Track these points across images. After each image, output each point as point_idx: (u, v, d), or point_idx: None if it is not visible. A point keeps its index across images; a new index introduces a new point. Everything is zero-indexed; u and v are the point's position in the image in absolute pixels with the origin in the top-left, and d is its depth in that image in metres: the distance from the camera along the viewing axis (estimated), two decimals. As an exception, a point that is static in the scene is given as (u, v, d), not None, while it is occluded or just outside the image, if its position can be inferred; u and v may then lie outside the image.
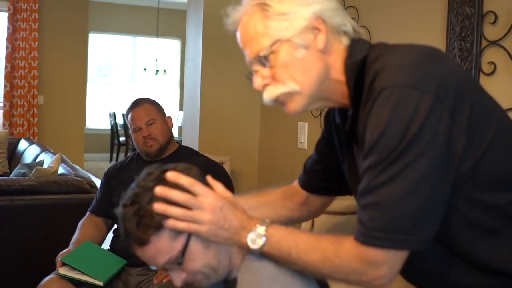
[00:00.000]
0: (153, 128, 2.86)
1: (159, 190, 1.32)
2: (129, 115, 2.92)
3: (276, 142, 3.40)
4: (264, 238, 1.32)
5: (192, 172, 1.41)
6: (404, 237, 1.19)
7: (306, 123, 3.09)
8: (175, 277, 1.40)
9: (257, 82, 1.38)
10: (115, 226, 3.02)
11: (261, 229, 1.32)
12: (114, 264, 2.76)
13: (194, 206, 1.32)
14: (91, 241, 2.84)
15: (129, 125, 2.95)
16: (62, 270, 2.62)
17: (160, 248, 1.34)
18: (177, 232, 1.33)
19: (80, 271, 2.60)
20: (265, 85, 1.38)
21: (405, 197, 1.18)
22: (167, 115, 2.99)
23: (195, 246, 1.36)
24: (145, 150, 2.88)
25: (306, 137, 3.09)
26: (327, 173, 1.64)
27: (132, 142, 2.89)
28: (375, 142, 1.20)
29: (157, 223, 1.32)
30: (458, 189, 1.23)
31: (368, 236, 1.21)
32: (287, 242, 1.31)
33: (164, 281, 2.62)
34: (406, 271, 1.34)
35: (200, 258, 1.38)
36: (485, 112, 1.26)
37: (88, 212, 3.04)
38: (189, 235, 1.35)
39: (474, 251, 1.28)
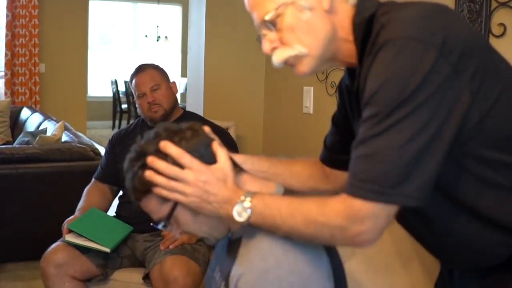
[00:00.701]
0: (158, 94, 2.83)
1: (149, 159, 1.36)
2: (133, 81, 2.89)
3: (281, 107, 3.38)
4: (249, 211, 1.31)
5: (197, 135, 1.41)
6: (392, 191, 1.16)
7: (312, 87, 3.06)
8: (173, 230, 1.50)
9: (265, 46, 1.38)
10: (121, 193, 3.01)
11: (246, 202, 1.31)
12: (121, 231, 2.76)
13: (178, 178, 1.34)
14: (97, 208, 2.84)
15: (133, 91, 2.92)
16: (69, 237, 2.62)
17: (150, 208, 1.45)
18: (164, 199, 1.38)
19: (86, 237, 2.60)
20: (273, 49, 1.37)
21: (398, 150, 1.15)
22: (171, 81, 2.96)
23: (182, 214, 1.42)
24: (150, 116, 2.85)
25: (311, 102, 3.06)
26: (345, 144, 1.61)
27: (135, 109, 2.86)
28: (374, 94, 1.18)
29: (145, 188, 1.39)
30: (464, 146, 1.21)
31: (356, 187, 1.19)
32: (270, 210, 1.30)
33: (171, 247, 2.62)
34: (407, 220, 1.35)
35: (189, 224, 1.44)
36: (493, 69, 1.23)
37: (93, 179, 3.03)
38: (175, 203, 1.40)
39: (480, 205, 1.27)
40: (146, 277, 2.64)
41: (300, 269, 1.33)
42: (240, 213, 1.31)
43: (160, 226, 1.47)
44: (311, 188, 1.65)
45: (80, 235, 2.61)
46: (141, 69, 2.89)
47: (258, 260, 1.35)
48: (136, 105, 2.94)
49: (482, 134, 1.21)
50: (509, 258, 1.30)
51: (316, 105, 3.02)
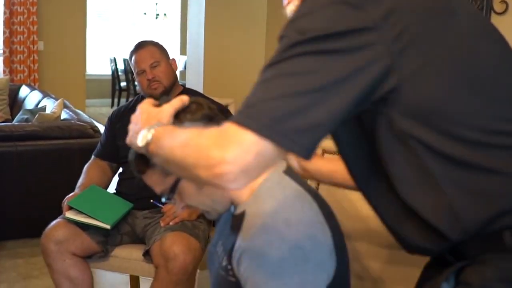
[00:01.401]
0: (158, 71, 2.82)
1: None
2: (133, 58, 2.87)
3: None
4: (150, 136, 1.22)
5: (201, 108, 1.47)
6: (271, 125, 1.01)
7: None
8: (176, 204, 1.52)
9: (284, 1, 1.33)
10: (120, 170, 3.01)
11: (152, 128, 1.23)
12: (121, 208, 2.76)
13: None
14: (97, 185, 2.84)
15: (132, 68, 2.91)
16: (69, 214, 2.62)
17: (154, 181, 1.48)
18: (167, 172, 1.38)
19: (86, 214, 2.61)
20: (288, 3, 1.32)
21: (292, 87, 1.03)
22: (170, 58, 2.95)
23: (186, 186, 1.45)
24: (149, 93, 2.84)
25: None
26: None
27: (134, 87, 2.84)
28: (280, 39, 1.08)
29: (148, 160, 1.37)
30: (380, 113, 1.08)
31: (239, 112, 1.05)
32: (166, 135, 1.19)
33: (171, 223, 2.63)
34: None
35: (192, 197, 1.47)
36: (432, 38, 1.08)
37: (93, 156, 3.03)
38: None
39: (395, 177, 1.13)
40: (146, 254, 2.65)
41: (302, 243, 1.34)
42: (143, 137, 1.23)
43: (163, 199, 1.48)
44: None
45: (80, 212, 2.62)
46: (140, 46, 2.87)
47: (261, 234, 1.35)
48: (136, 82, 2.94)
49: (401, 103, 1.06)
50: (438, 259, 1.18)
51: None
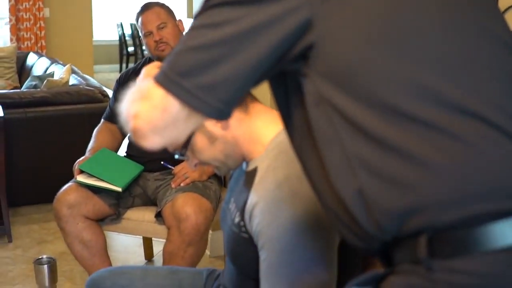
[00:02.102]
0: (165, 32, 2.79)
1: None
2: (139, 20, 2.84)
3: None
4: None
5: None
6: (175, 80, 0.96)
7: None
8: (188, 161, 1.51)
9: None
10: (131, 133, 3.01)
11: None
12: (132, 170, 2.77)
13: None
14: (107, 148, 2.84)
15: (139, 30, 2.88)
16: (80, 178, 2.63)
17: None
18: None
19: (98, 177, 2.61)
20: None
21: (199, 42, 0.97)
22: (177, 19, 2.91)
23: (199, 141, 1.44)
24: (157, 55, 2.82)
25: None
26: None
27: (142, 52, 2.81)
28: None
29: None
30: (302, 74, 0.98)
31: (157, 73, 1.01)
32: None
33: (182, 184, 2.63)
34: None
35: (205, 152, 1.46)
36: None
37: (102, 120, 3.02)
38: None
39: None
40: (158, 215, 2.66)
41: (315, 199, 1.33)
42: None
43: (176, 156, 1.47)
44: None
45: (92, 176, 2.62)
46: (147, 7, 2.84)
47: (273, 189, 1.35)
48: (143, 44, 2.90)
49: (321, 63, 0.95)
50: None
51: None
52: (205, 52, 0.95)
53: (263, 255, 1.36)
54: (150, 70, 1.28)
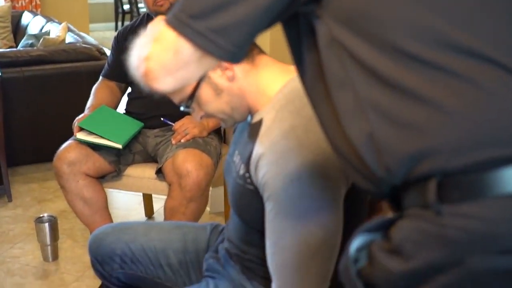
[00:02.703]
0: (162, -13, 2.75)
1: None
2: (136, -26, 2.80)
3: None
4: None
5: None
6: (187, 21, 0.96)
7: None
8: (192, 113, 1.50)
9: None
10: (129, 90, 2.99)
11: None
12: (131, 127, 2.75)
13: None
14: (106, 105, 2.82)
15: (136, -15, 2.83)
16: (80, 135, 2.62)
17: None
18: None
19: (98, 135, 2.60)
20: None
21: None
22: (173, -27, 2.86)
23: (205, 92, 1.43)
24: (155, 10, 2.77)
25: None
26: None
27: (137, 9, 2.77)
28: None
29: None
30: (316, 17, 0.96)
31: (170, 13, 1.00)
32: None
33: (182, 140, 2.62)
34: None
35: (211, 104, 1.45)
36: None
37: (101, 77, 2.99)
38: (199, 82, 1.40)
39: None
40: (159, 172, 2.65)
41: (321, 149, 1.32)
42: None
43: (181, 108, 1.46)
44: None
45: (91, 133, 2.61)
46: (143, -37, 2.79)
47: (279, 140, 1.34)
48: (139, 1, 2.86)
49: (334, 6, 0.93)
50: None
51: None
52: (221, 4, 0.93)
53: (269, 206, 1.36)
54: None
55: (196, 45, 0.96)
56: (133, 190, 2.87)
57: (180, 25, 0.96)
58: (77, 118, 2.69)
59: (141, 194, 3.37)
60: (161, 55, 1.00)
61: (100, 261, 1.82)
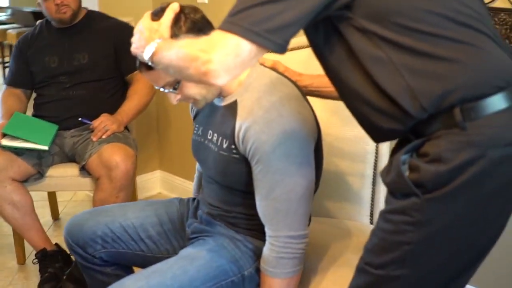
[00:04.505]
0: (65, -5, 2.91)
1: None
2: (37, -15, 2.91)
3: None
4: (153, 49, 1.46)
5: (200, 11, 1.72)
6: (248, 27, 1.23)
7: None
8: (171, 96, 1.73)
9: None
10: (34, 95, 3.09)
11: (155, 43, 1.47)
12: (49, 129, 2.87)
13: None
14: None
15: (36, -5, 2.95)
16: (5, 141, 2.70)
17: (161, 74, 1.64)
18: None
19: (23, 139, 2.70)
20: None
21: (266, 0, 1.24)
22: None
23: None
24: (58, 17, 2.93)
25: (205, -9, 3.20)
26: None
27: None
28: None
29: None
30: (347, 18, 1.31)
31: (223, 21, 1.28)
32: (166, 47, 1.42)
33: (104, 136, 2.80)
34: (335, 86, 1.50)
35: (194, 87, 1.70)
36: None
37: (5, 86, 3.08)
38: None
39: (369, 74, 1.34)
40: (82, 169, 2.81)
41: (296, 116, 1.65)
42: (148, 52, 1.47)
43: (165, 90, 1.69)
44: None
45: (15, 138, 2.71)
46: (43, -29, 2.91)
47: (262, 114, 1.64)
48: (42, 9, 2.97)
49: (360, 6, 1.29)
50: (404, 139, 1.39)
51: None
52: (272, 6, 1.24)
53: (258, 168, 1.65)
54: (152, 27, 1.55)
55: (256, 45, 1.24)
56: (57, 190, 3.00)
57: (243, 31, 1.23)
58: (-2, 125, 2.77)
59: (46, 197, 3.47)
60: (223, 59, 1.24)
61: (82, 244, 1.99)
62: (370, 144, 2.15)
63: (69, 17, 2.94)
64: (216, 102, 1.80)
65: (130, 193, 2.79)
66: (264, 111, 1.64)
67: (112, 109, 2.96)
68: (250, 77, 1.73)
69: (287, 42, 1.28)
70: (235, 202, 1.83)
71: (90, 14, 3.10)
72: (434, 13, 1.28)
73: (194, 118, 1.98)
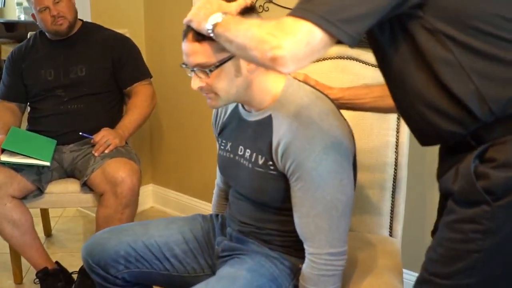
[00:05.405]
0: (61, 6, 2.83)
1: None
2: (32, -6, 2.83)
3: (166, 10, 3.44)
4: (220, 19, 1.43)
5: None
6: (322, 15, 1.21)
7: None
8: (195, 80, 1.64)
9: None
10: (28, 109, 3.00)
11: (223, 14, 1.44)
12: (48, 144, 2.78)
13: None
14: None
15: (32, 6, 2.86)
16: (4, 157, 2.60)
17: (206, 51, 1.57)
18: (223, 48, 1.49)
19: (23, 154, 2.61)
20: None
21: None
22: (67, -9, 2.93)
23: (228, 69, 1.60)
24: (54, 29, 2.85)
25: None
26: None
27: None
28: None
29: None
30: (418, 17, 1.29)
31: (295, 8, 1.26)
32: (234, 21, 1.39)
33: (106, 151, 2.73)
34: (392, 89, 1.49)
35: (224, 80, 1.62)
36: None
37: (-1, 100, 2.98)
38: (230, 57, 1.58)
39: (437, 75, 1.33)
40: (84, 185, 2.73)
41: (336, 131, 1.62)
42: (214, 19, 1.43)
43: (189, 68, 1.62)
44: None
45: (15, 153, 2.61)
46: (39, -17, 2.83)
47: (303, 130, 1.60)
48: (37, 20, 2.89)
49: (433, 6, 1.28)
50: (464, 141, 1.36)
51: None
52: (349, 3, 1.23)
53: (298, 185, 1.61)
54: (221, 3, 1.51)
55: (328, 33, 1.21)
56: (57, 207, 2.91)
57: (317, 18, 1.20)
58: (-6, 141, 2.67)
59: (38, 213, 3.36)
60: (294, 46, 1.20)
61: (103, 265, 1.91)
62: (389, 156, 2.14)
63: (66, 29, 2.86)
64: (245, 116, 1.76)
65: (135, 209, 2.72)
66: (305, 127, 1.61)
67: (111, 123, 2.88)
68: (285, 92, 1.69)
69: (359, 35, 1.25)
70: (269, 219, 1.78)
71: (86, 25, 3.03)
72: (508, 19, 1.27)
73: (219, 133, 1.92)
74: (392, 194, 2.17)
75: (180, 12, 3.25)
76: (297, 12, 1.23)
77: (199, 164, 3.55)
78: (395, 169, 2.15)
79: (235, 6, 1.55)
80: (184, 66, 1.64)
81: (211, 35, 1.43)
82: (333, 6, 1.22)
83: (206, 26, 1.43)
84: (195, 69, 1.62)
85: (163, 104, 3.50)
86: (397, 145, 2.15)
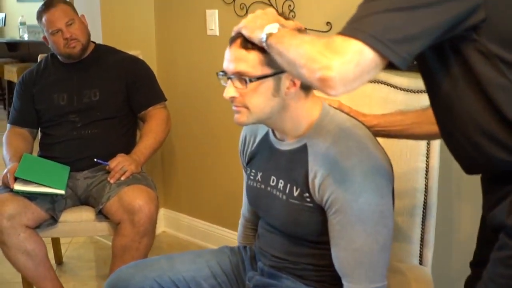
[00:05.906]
0: (74, 28, 2.76)
1: None
2: (44, 18, 2.76)
3: (177, 31, 3.38)
4: (275, 30, 1.40)
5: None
6: (372, 35, 1.16)
7: (216, 10, 3.09)
8: (230, 89, 1.57)
9: None
10: (40, 135, 2.93)
11: (276, 26, 1.41)
12: (62, 171, 2.71)
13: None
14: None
15: (43, 28, 2.79)
16: (18, 186, 2.52)
17: (253, 60, 1.52)
18: (271, 63, 1.48)
19: (37, 183, 2.53)
20: None
21: (391, 6, 1.18)
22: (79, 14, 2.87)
23: (268, 85, 1.54)
24: (67, 52, 2.78)
25: (217, 24, 3.11)
26: None
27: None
28: None
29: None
30: (472, 39, 1.24)
31: (345, 27, 1.21)
32: (286, 37, 1.36)
33: (122, 178, 2.65)
34: (437, 113, 1.43)
35: (260, 97, 1.56)
36: None
37: (9, 125, 2.90)
38: (273, 74, 1.53)
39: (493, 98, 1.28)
40: (99, 213, 2.65)
41: (376, 161, 1.55)
42: (270, 29, 1.40)
43: (222, 74, 1.58)
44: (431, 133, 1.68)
45: (27, 182, 2.53)
46: (51, 5, 2.77)
47: (342, 160, 1.53)
48: (48, 43, 2.82)
49: (488, 29, 1.23)
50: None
51: (223, 27, 3.05)
52: (398, 15, 1.17)
53: (336, 218, 1.54)
54: (279, 18, 1.49)
55: (379, 54, 1.16)
56: (71, 236, 2.84)
57: (366, 36, 1.15)
58: (8, 168, 2.59)
59: (50, 240, 3.27)
60: (343, 67, 1.15)
61: (128, 302, 1.84)
62: (419, 182, 2.08)
63: (79, 52, 2.79)
64: (277, 145, 1.70)
65: (153, 238, 2.63)
66: (343, 156, 1.54)
67: (125, 148, 2.81)
68: (321, 120, 1.62)
69: (410, 56, 1.19)
70: (304, 253, 1.71)
71: (99, 48, 2.96)
72: None
73: (248, 163, 1.85)
74: (422, 221, 2.10)
75: (193, 32, 3.24)
76: (347, 31, 1.18)
77: (211, 188, 3.48)
78: (425, 195, 2.09)
79: (292, 24, 1.52)
80: (221, 74, 1.59)
81: (264, 44, 1.40)
82: (384, 26, 1.17)
83: (261, 35, 1.40)
84: (233, 76, 1.55)
85: (175, 126, 3.43)
86: (427, 171, 2.08)
